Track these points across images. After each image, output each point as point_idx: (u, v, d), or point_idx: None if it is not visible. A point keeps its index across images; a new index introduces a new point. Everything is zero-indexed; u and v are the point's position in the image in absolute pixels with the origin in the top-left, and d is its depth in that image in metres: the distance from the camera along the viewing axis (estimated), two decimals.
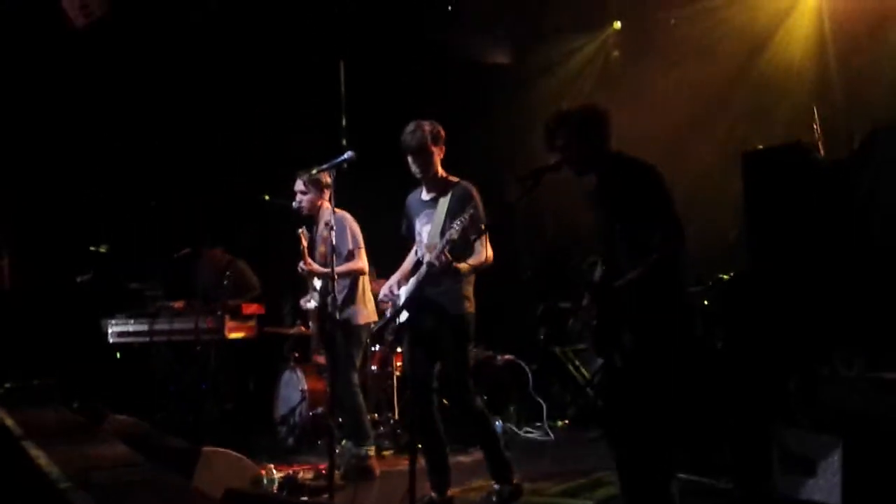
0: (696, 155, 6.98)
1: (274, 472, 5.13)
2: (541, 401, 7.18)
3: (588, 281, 3.92)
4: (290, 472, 5.40)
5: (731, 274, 5.52)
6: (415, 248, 4.92)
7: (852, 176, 5.33)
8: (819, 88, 6.69)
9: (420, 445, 4.70)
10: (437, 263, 4.37)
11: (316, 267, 5.52)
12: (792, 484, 4.58)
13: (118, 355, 6.90)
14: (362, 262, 5.65)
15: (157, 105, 7.82)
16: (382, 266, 6.10)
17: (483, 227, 4.41)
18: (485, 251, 4.59)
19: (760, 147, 5.83)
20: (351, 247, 5.60)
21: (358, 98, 7.98)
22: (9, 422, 4.91)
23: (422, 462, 4.69)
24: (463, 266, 4.48)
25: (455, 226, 4.27)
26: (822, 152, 5.64)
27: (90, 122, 7.62)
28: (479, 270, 4.65)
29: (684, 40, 7.51)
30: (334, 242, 4.85)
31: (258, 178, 7.13)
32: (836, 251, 5.15)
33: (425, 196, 4.81)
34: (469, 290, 4.71)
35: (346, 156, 4.62)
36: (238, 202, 7.38)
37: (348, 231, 5.62)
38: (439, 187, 4.74)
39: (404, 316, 4.69)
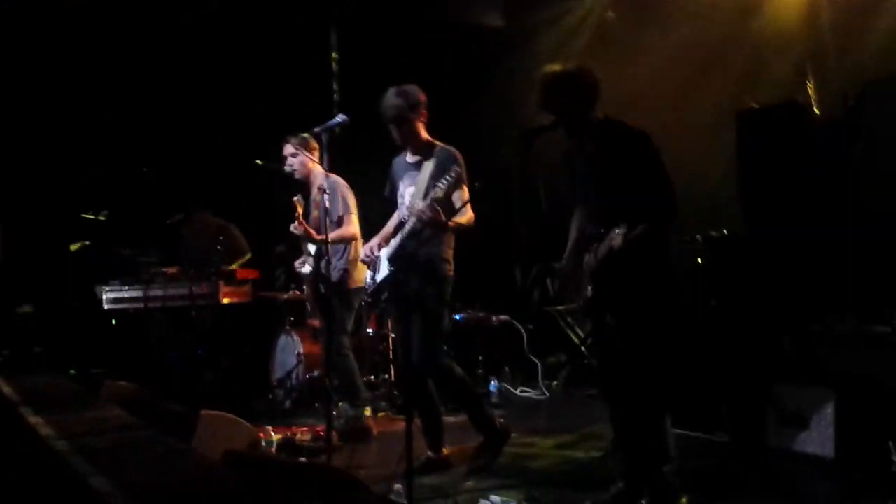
0: (689, 114, 6.95)
1: (272, 434, 5.18)
2: (536, 360, 7.24)
3: (587, 235, 3.91)
4: (288, 434, 5.43)
5: (724, 231, 5.52)
6: (397, 211, 4.93)
7: (846, 133, 5.33)
8: (813, 48, 6.65)
9: (411, 404, 4.73)
10: (424, 218, 4.36)
11: (308, 228, 5.50)
12: (786, 437, 4.65)
13: (113, 322, 6.91)
14: (353, 227, 5.65)
15: (149, 71, 7.76)
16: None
17: (466, 190, 4.43)
18: (466, 212, 4.58)
19: (754, 105, 5.81)
20: (342, 212, 5.60)
21: (350, 63, 7.93)
22: (6, 389, 4.94)
23: (419, 422, 4.73)
24: (453, 221, 4.46)
25: (440, 184, 4.27)
26: (816, 111, 5.63)
27: (80, 90, 7.56)
28: (461, 231, 4.64)
29: (678, 1, 7.45)
30: (328, 206, 4.83)
31: (251, 142, 7.09)
32: (830, 208, 5.17)
33: (410, 159, 4.81)
34: (450, 253, 4.72)
35: (338, 119, 4.59)
36: (230, 167, 7.35)
37: (339, 196, 5.61)
38: (423, 151, 4.73)
39: (384, 276, 4.71)
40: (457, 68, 8.05)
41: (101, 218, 6.88)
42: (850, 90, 5.45)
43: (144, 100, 7.77)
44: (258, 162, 5.87)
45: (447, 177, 4.27)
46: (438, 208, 4.32)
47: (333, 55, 7.31)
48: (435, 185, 4.31)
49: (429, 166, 4.65)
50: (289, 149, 5.72)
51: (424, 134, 4.75)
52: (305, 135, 5.45)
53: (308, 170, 5.75)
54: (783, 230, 5.27)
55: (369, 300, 4.96)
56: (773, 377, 4.82)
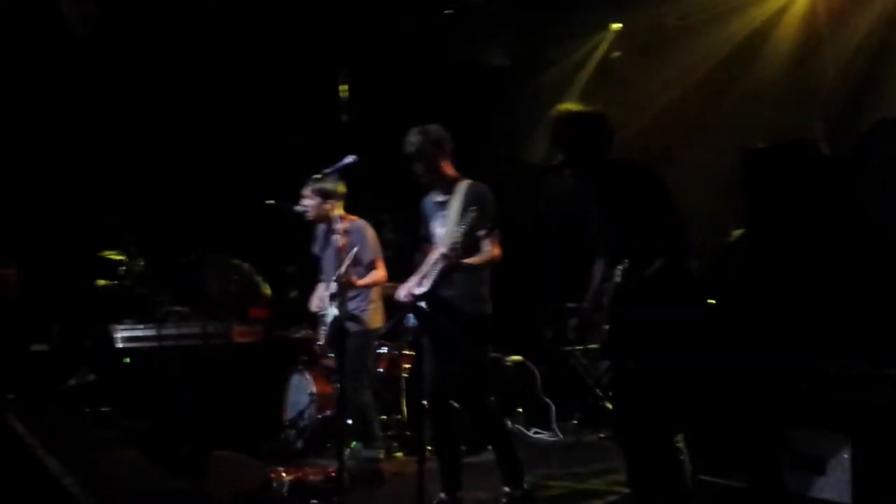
0: (695, 154, 6.99)
1: (283, 475, 5.15)
2: (549, 402, 7.19)
3: (612, 282, 3.90)
4: (300, 474, 5.40)
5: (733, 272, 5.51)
6: (434, 251, 4.94)
7: (854, 171, 5.33)
8: (818, 86, 6.70)
9: (432, 447, 4.70)
10: (446, 262, 4.40)
11: (358, 281, 5.52)
12: (802, 482, 4.58)
13: (127, 360, 6.92)
14: (383, 271, 5.74)
15: (163, 111, 7.85)
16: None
17: (490, 224, 4.44)
18: (492, 249, 4.61)
19: (761, 146, 5.83)
20: (372, 256, 5.68)
21: (360, 103, 8.02)
22: (20, 428, 4.94)
23: (432, 463, 4.70)
24: (468, 262, 4.48)
25: (458, 229, 4.30)
26: (825, 149, 5.64)
27: (95, 128, 7.64)
28: (486, 268, 4.66)
29: (683, 41, 7.53)
30: (353, 251, 4.86)
31: (265, 182, 7.16)
32: (840, 249, 5.15)
33: (439, 198, 4.84)
34: (485, 290, 4.72)
35: (347, 160, 4.64)
36: (244, 207, 7.40)
37: (368, 241, 5.66)
38: (449, 189, 4.75)
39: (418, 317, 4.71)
40: (463, 108, 8.12)
41: (120, 258, 6.91)
42: (858, 130, 5.48)
43: (159, 139, 7.85)
44: (270, 202, 5.93)
45: (465, 221, 4.30)
46: (456, 255, 4.34)
47: (342, 92, 7.38)
48: (455, 230, 4.34)
49: (456, 204, 4.67)
50: (305, 191, 5.77)
51: (450, 171, 4.77)
52: (326, 181, 5.49)
53: (322, 214, 5.77)
54: (796, 268, 5.25)
55: (409, 339, 4.97)
56: (789, 421, 4.77)
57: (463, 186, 4.71)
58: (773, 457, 4.73)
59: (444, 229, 4.70)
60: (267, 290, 7.46)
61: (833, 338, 4.96)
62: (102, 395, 7.11)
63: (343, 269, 5.27)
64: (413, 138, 4.66)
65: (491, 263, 4.66)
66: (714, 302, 5.46)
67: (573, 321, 4.10)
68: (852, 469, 4.36)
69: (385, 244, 6.11)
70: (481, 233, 4.39)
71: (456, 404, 4.91)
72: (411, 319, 4.83)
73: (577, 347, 7.43)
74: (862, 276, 5.03)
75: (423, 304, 4.67)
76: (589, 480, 5.52)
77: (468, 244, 4.36)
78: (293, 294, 7.20)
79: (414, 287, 4.82)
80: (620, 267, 3.53)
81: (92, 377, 6.92)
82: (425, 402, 4.88)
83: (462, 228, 4.28)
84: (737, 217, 5.85)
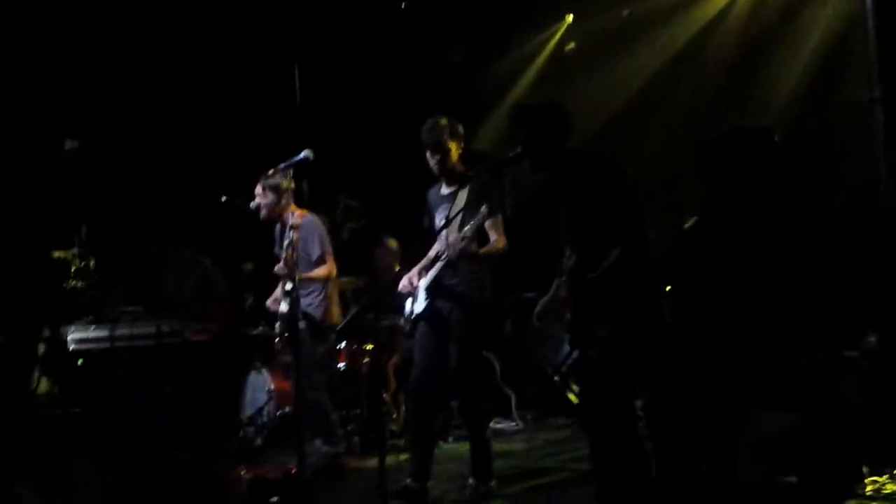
0: (649, 144, 7.06)
1: (243, 473, 5.10)
2: (509, 391, 7.21)
3: (562, 273, 3.94)
4: (260, 472, 5.35)
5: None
6: (437, 242, 4.95)
7: (808, 158, 5.42)
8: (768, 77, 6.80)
9: (411, 435, 4.71)
10: (454, 257, 4.46)
11: (300, 274, 5.44)
12: (757, 465, 4.64)
13: (79, 362, 6.79)
14: (331, 266, 5.67)
15: (115, 105, 7.72)
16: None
17: (498, 216, 4.55)
18: (500, 239, 4.66)
19: (713, 135, 5.89)
20: (321, 251, 5.62)
21: (315, 100, 7.98)
22: None
23: (393, 458, 4.70)
24: (475, 252, 4.56)
25: (471, 224, 4.36)
26: (774, 136, 5.71)
27: (54, 123, 7.49)
28: (493, 258, 4.69)
29: (637, 31, 7.59)
30: (302, 245, 4.83)
31: (219, 177, 7.08)
32: (793, 235, 5.22)
33: (444, 190, 4.86)
34: (488, 280, 4.75)
35: (301, 155, 4.61)
36: (199, 202, 7.31)
37: (317, 235, 5.61)
38: (458, 181, 4.77)
39: (422, 306, 4.74)
40: (418, 103, 8.12)
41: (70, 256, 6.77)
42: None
43: (115, 133, 7.72)
44: (223, 198, 5.86)
45: (478, 217, 4.34)
46: (469, 243, 4.43)
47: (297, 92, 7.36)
48: (468, 223, 4.38)
49: (463, 196, 4.69)
50: (258, 188, 5.70)
51: (460, 165, 4.79)
52: (278, 177, 5.42)
53: (275, 210, 5.70)
54: (744, 256, 5.32)
55: (408, 329, 4.96)
56: (741, 404, 4.83)
57: (470, 180, 4.73)
58: (728, 440, 4.79)
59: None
60: (223, 287, 7.38)
61: (787, 324, 5.03)
62: (56, 399, 6.99)
63: (281, 263, 5.24)
64: (433, 129, 4.68)
65: (497, 254, 4.69)
66: (669, 289, 5.51)
67: (539, 312, 4.15)
68: (805, 449, 4.44)
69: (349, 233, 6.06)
70: (490, 224, 4.46)
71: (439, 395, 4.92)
72: (409, 308, 4.88)
73: (534, 338, 7.49)
74: (813, 261, 5.11)
75: (426, 292, 4.72)
76: (548, 464, 5.55)
77: (477, 236, 4.44)
78: (249, 299, 7.12)
79: (416, 276, 4.83)
80: (570, 258, 3.57)
81: (43, 380, 6.79)
82: (409, 392, 4.88)
83: (470, 228, 4.34)
84: (691, 208, 5.92)
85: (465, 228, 4.39)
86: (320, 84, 7.72)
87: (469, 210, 4.53)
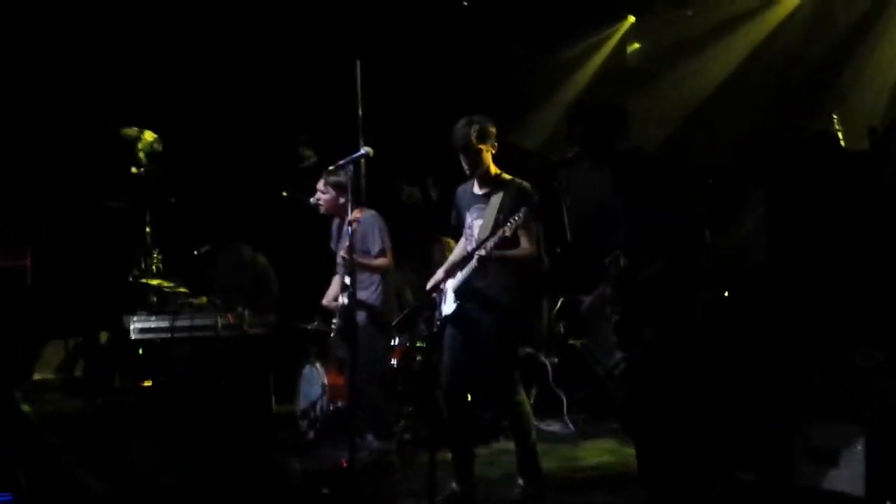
0: (714, 143, 6.96)
1: (296, 464, 5.17)
2: (561, 394, 7.17)
3: (611, 273, 3.92)
4: (312, 464, 5.42)
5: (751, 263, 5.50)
6: (462, 241, 4.95)
7: (875, 167, 5.30)
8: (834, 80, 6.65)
9: (447, 439, 4.71)
10: (485, 256, 4.41)
11: (358, 258, 5.48)
12: (814, 475, 4.56)
13: (140, 352, 6.95)
14: (391, 261, 5.69)
15: (178, 102, 7.88)
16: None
17: (534, 223, 4.50)
18: (530, 245, 4.63)
19: (783, 137, 5.81)
20: (381, 246, 5.64)
21: (376, 95, 8.05)
22: (30, 413, 4.99)
23: (444, 454, 4.71)
24: (508, 254, 4.51)
25: (510, 223, 4.30)
26: (842, 143, 5.61)
27: (111, 118, 7.68)
28: (522, 263, 4.67)
29: (702, 31, 7.49)
30: (361, 240, 4.85)
31: (280, 174, 7.17)
32: (859, 242, 5.12)
33: (477, 190, 4.82)
34: (518, 282, 4.72)
35: (361, 151, 4.64)
36: (259, 198, 7.42)
37: (377, 231, 5.65)
38: (492, 183, 4.75)
39: (451, 308, 4.72)
40: (480, 99, 8.12)
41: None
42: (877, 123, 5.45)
43: (174, 130, 7.88)
44: (283, 194, 5.93)
45: (517, 216, 4.28)
46: (494, 250, 4.37)
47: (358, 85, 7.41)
48: (506, 223, 4.32)
49: (497, 199, 4.66)
50: (320, 184, 5.76)
51: (493, 166, 4.76)
52: (339, 174, 5.46)
53: (335, 207, 5.76)
54: (812, 261, 5.23)
55: (435, 331, 4.96)
56: (802, 413, 4.75)
57: (507, 183, 4.71)
58: (786, 449, 4.71)
59: (482, 222, 4.71)
60: (274, 286, 7.49)
61: (849, 330, 4.94)
62: (117, 385, 7.17)
63: (343, 253, 5.27)
64: (462, 130, 4.65)
65: (525, 259, 4.67)
66: (727, 294, 5.45)
67: (586, 312, 4.13)
68: (866, 461, 4.34)
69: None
70: (521, 230, 4.41)
71: (472, 397, 4.92)
72: (438, 310, 4.85)
73: (588, 340, 7.43)
74: (878, 269, 5.01)
75: (455, 294, 4.70)
76: (597, 467, 5.53)
77: (511, 242, 4.39)
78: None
79: (442, 277, 4.83)
80: (622, 259, 3.54)
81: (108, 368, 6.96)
82: (443, 394, 4.88)
83: (509, 227, 4.28)
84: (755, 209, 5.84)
85: (504, 229, 4.32)
86: (380, 79, 7.78)
87: (505, 213, 4.49)
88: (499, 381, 4.68)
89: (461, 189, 4.94)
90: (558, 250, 4.86)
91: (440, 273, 4.90)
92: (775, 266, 5.49)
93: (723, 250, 5.94)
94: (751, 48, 7.24)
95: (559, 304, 7.75)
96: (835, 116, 5.73)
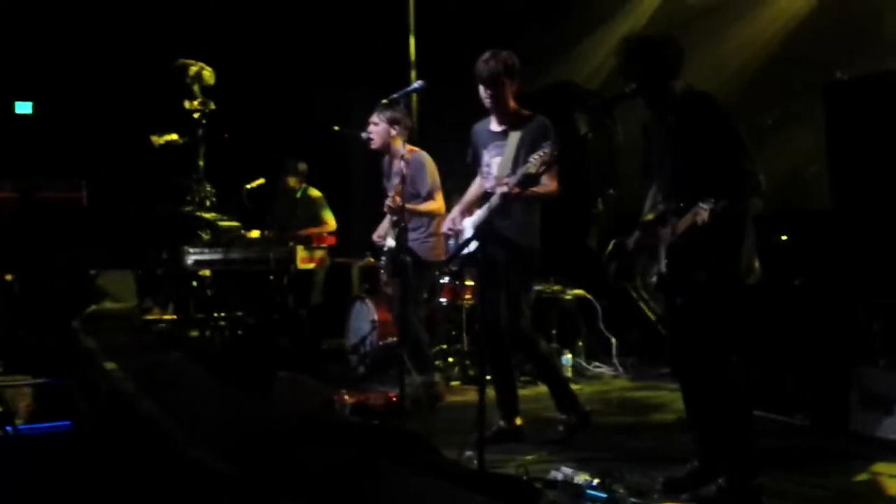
0: (777, 86, 6.74)
1: (346, 398, 5.24)
2: (610, 336, 7.15)
3: (662, 213, 3.82)
4: (362, 398, 5.49)
5: (810, 207, 5.36)
6: (477, 179, 4.88)
7: None
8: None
9: (492, 372, 4.73)
10: (510, 193, 4.33)
11: (407, 205, 5.45)
12: (869, 422, 4.50)
13: (195, 284, 7.05)
14: (441, 203, 5.65)
15: (227, 37, 7.86)
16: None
17: (555, 160, 4.34)
18: (552, 183, 4.56)
19: (843, 77, 5.60)
20: (430, 188, 5.59)
21: (428, 27, 7.92)
22: (91, 345, 5.10)
23: (490, 393, 4.73)
24: (532, 191, 4.42)
25: (533, 159, 4.20)
26: None
27: (165, 53, 7.70)
28: (544, 200, 4.64)
29: None
30: (410, 181, 4.82)
31: (331, 107, 7.14)
32: None
33: (495, 127, 4.73)
34: (536, 223, 4.69)
35: (416, 85, 4.60)
36: (310, 132, 7.41)
37: (427, 172, 5.59)
38: (511, 120, 4.66)
39: (472, 246, 4.66)
40: (537, 35, 7.94)
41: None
42: None
43: (228, 64, 7.88)
44: (335, 128, 5.90)
45: (541, 153, 4.18)
46: (520, 188, 4.28)
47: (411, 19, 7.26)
48: (529, 159, 4.24)
49: (516, 136, 4.58)
50: (374, 117, 5.68)
51: (513, 102, 4.68)
52: (386, 101, 5.39)
53: (387, 142, 5.70)
54: (873, 206, 5.08)
55: (453, 269, 4.95)
56: (858, 360, 4.67)
57: (527, 119, 4.62)
58: (841, 396, 4.64)
59: (500, 159, 4.64)
60: (331, 219, 7.54)
61: None
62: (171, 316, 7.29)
63: (391, 196, 5.26)
64: (489, 62, 4.55)
65: (549, 197, 4.62)
66: (785, 238, 5.33)
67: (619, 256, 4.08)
68: None
69: None
70: (544, 168, 4.29)
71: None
72: (453, 246, 4.84)
73: (639, 283, 7.35)
74: None
75: (475, 232, 4.64)
76: (650, 414, 5.50)
77: (534, 179, 4.26)
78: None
79: (458, 217, 4.78)
80: (704, 205, 3.43)
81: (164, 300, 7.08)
82: (480, 331, 4.88)
83: (533, 163, 4.18)
84: (817, 152, 5.67)
85: (528, 164, 4.22)
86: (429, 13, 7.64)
87: (526, 149, 4.40)
88: (512, 321, 4.62)
89: (477, 126, 4.84)
90: (611, 192, 4.75)
91: (455, 211, 4.85)
92: (836, 209, 5.34)
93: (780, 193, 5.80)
94: None
95: (611, 246, 7.67)
96: None
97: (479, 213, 4.68)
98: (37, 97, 8.34)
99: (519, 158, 4.48)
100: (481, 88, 4.61)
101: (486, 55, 4.58)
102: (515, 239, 4.60)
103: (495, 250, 4.55)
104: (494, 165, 4.68)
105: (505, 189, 4.37)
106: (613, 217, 7.47)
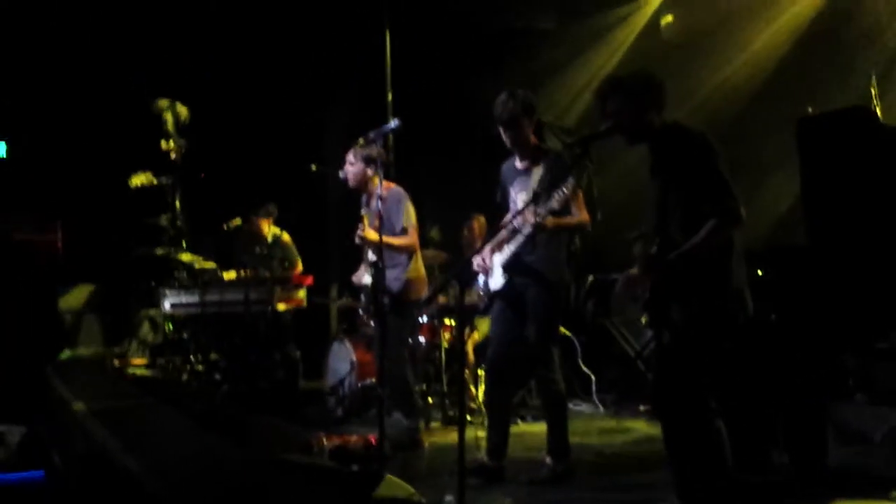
0: (751, 121, 6.83)
1: (324, 441, 5.18)
2: (590, 373, 7.13)
3: (642, 253, 3.85)
4: (341, 441, 5.42)
5: (785, 242, 5.39)
6: (507, 216, 4.90)
7: None
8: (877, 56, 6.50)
9: (486, 412, 4.68)
10: (542, 224, 4.38)
11: (372, 233, 5.42)
12: (847, 458, 4.50)
13: (170, 327, 6.99)
14: (413, 238, 5.63)
15: (204, 77, 7.87)
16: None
17: (576, 193, 4.46)
18: (582, 213, 4.63)
19: (816, 112, 5.66)
20: (405, 224, 5.58)
21: (404, 69, 7.97)
22: (64, 391, 5.01)
23: (471, 433, 4.69)
24: (564, 221, 4.51)
25: (556, 195, 4.27)
26: (880, 117, 5.46)
27: (140, 91, 7.70)
28: (574, 231, 4.72)
29: (739, 6, 7.33)
30: (387, 218, 4.82)
31: (307, 148, 7.14)
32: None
33: (519, 165, 4.79)
34: (564, 256, 4.72)
35: (391, 124, 4.60)
36: (287, 173, 7.41)
37: (403, 207, 5.58)
38: (532, 156, 4.71)
39: (500, 283, 4.71)
40: (509, 73, 8.02)
41: (163, 223, 6.93)
42: None
43: (201, 106, 7.89)
44: (313, 167, 5.89)
45: (563, 190, 4.25)
46: (548, 220, 4.36)
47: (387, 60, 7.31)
48: (550, 196, 4.29)
49: (538, 172, 4.63)
50: (350, 157, 5.68)
51: (533, 139, 4.74)
52: (362, 141, 5.40)
53: (363, 181, 5.70)
54: (848, 241, 5.12)
55: (483, 305, 4.96)
56: (834, 395, 4.68)
57: (546, 156, 4.68)
58: (818, 432, 4.64)
59: (524, 196, 4.67)
60: (299, 262, 7.48)
61: (886, 312, 4.84)
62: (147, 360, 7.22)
63: (361, 231, 5.25)
64: (507, 103, 4.59)
65: (582, 228, 4.70)
66: (761, 273, 5.35)
67: (617, 294, 4.07)
68: None
69: None
70: (564, 203, 4.37)
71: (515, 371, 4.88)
72: (482, 284, 4.85)
73: (617, 320, 7.36)
74: None
75: (503, 268, 4.68)
76: (626, 447, 5.48)
77: (559, 214, 4.38)
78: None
79: (489, 255, 4.80)
80: (654, 240, 3.46)
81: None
82: (486, 367, 4.87)
83: (557, 199, 4.25)
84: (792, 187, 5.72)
85: (551, 200, 4.28)
86: (408, 52, 7.69)
87: (549, 185, 4.43)
88: (539, 357, 4.65)
89: (505, 166, 4.90)
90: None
91: (486, 248, 4.85)
92: (811, 245, 5.38)
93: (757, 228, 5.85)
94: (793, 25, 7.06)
95: (589, 282, 7.69)
96: (873, 90, 5.58)
97: (507, 250, 4.71)
98: (10, 138, 8.29)
99: (538, 195, 4.49)
100: (500, 129, 4.65)
101: (504, 96, 4.61)
102: (543, 273, 4.63)
103: (522, 285, 4.62)
104: (520, 202, 4.72)
105: (539, 220, 4.40)
106: (590, 254, 7.49)
